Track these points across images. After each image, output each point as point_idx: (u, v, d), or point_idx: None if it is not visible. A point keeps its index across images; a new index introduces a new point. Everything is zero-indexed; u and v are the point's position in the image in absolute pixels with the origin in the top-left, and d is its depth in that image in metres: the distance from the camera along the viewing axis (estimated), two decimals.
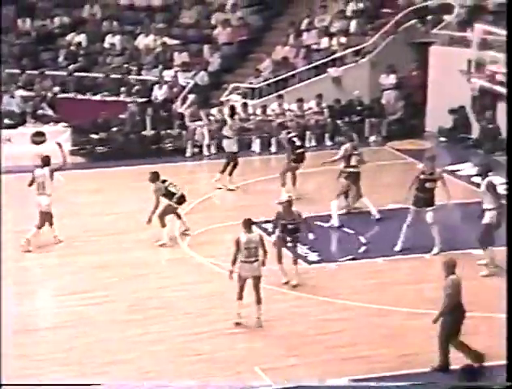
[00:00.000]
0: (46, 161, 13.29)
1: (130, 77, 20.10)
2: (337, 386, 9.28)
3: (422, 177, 12.59)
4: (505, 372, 7.88)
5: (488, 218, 12.05)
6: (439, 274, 9.88)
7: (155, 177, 13.33)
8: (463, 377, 7.71)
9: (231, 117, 16.55)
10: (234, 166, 15.77)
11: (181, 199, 13.41)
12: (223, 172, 15.74)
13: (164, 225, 13.25)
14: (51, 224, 13.23)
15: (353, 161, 13.97)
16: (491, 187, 12.05)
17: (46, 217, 13.16)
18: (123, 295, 11.61)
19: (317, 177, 15.80)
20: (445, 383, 8.42)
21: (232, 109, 16.91)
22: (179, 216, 13.58)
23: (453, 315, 9.30)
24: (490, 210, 12.01)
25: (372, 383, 9.23)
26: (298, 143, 14.99)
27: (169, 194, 13.27)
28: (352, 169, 13.93)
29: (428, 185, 12.56)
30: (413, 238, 12.79)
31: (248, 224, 10.82)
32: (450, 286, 9.28)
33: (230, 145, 15.97)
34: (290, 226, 11.81)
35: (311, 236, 12.07)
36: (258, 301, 10.66)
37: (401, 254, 12.69)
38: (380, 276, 12.11)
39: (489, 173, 12.26)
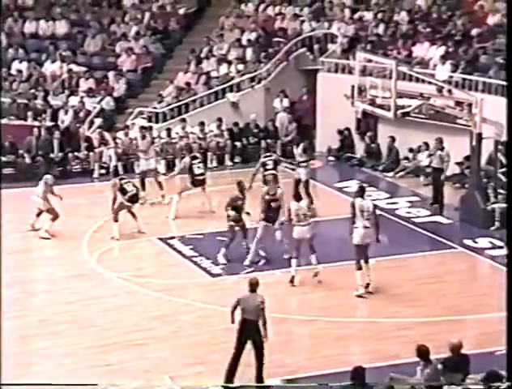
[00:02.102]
0: None
1: (36, 102, 19.72)
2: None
3: (267, 197, 12.76)
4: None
5: (357, 237, 11.71)
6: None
7: (114, 173, 13.77)
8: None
9: (142, 138, 16.50)
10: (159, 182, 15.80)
11: (134, 198, 13.66)
12: (143, 189, 15.69)
13: (116, 220, 13.57)
14: None
15: None
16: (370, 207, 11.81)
17: None
18: (32, 310, 11.39)
19: (218, 195, 16.00)
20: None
21: (143, 129, 16.89)
22: (134, 216, 13.73)
23: (241, 328, 9.22)
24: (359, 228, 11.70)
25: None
26: (198, 171, 15.02)
27: (123, 191, 13.42)
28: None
29: (273, 204, 12.72)
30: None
31: None
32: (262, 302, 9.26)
33: (148, 163, 15.99)
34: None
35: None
36: None
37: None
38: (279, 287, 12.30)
39: (364, 195, 12.08)
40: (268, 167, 14.73)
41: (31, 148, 18.01)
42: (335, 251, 13.05)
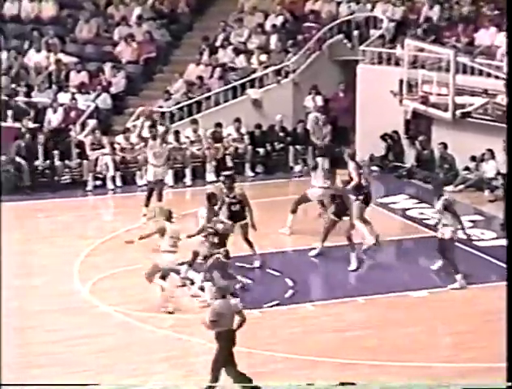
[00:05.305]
0: None
1: (17, 99, 19.94)
2: None
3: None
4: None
5: (449, 233, 12.96)
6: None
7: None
8: None
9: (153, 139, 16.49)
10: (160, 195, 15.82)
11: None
12: (147, 205, 15.76)
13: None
14: None
15: None
16: (448, 205, 13.05)
17: None
18: (7, 352, 11.37)
19: None
20: None
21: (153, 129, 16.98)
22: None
23: (220, 340, 9.90)
24: (449, 225, 12.99)
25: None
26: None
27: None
28: None
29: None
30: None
31: None
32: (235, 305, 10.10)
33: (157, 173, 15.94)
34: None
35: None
36: None
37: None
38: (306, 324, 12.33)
39: (443, 193, 13.27)
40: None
41: (10, 155, 18.10)
42: (385, 280, 13.23)
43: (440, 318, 12.48)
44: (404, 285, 13.28)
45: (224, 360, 9.90)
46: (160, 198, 15.83)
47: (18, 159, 17.93)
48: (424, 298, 12.98)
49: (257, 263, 13.84)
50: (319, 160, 15.20)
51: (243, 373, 10.01)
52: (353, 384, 9.47)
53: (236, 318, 9.98)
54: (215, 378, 9.97)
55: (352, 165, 14.50)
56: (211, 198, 13.17)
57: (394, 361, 11.04)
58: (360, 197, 14.40)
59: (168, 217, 12.68)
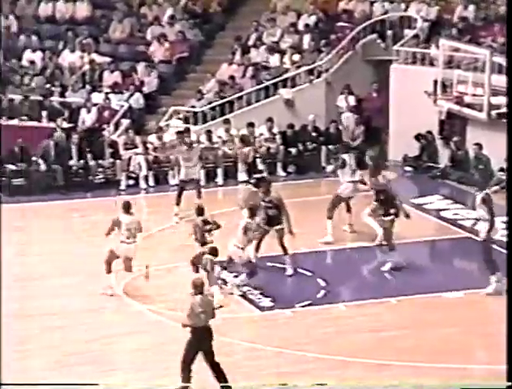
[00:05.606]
0: None
1: (52, 99, 20.11)
2: None
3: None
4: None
5: (483, 231, 12.86)
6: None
7: (199, 212, 13.25)
8: None
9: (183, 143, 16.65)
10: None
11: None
12: (178, 203, 15.84)
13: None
14: None
15: None
16: (487, 200, 13.02)
17: None
18: (44, 350, 11.50)
19: None
20: None
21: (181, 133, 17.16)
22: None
23: (194, 336, 9.99)
24: (485, 221, 12.90)
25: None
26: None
27: (201, 244, 13.04)
28: None
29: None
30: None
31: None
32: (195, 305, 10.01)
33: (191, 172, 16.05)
34: None
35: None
36: None
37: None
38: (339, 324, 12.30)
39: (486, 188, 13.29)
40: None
41: (48, 154, 18.28)
42: (419, 280, 13.14)
43: (476, 320, 12.37)
44: (439, 286, 13.18)
45: (193, 357, 9.93)
46: (199, 196, 15.91)
47: (50, 158, 18.12)
48: (459, 299, 12.89)
49: (289, 271, 13.77)
50: (345, 156, 15.15)
51: (222, 370, 10.02)
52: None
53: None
54: (187, 378, 10.00)
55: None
56: (253, 211, 13.16)
57: (430, 362, 10.97)
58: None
59: (127, 209, 13.06)
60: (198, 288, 10.14)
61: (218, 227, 13.22)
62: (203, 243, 13.02)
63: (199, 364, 10.15)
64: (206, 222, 13.18)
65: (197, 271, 12.78)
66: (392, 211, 13.65)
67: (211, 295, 11.46)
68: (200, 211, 13.34)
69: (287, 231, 13.64)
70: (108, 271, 12.97)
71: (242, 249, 12.89)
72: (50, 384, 9.56)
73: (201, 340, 9.99)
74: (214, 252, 12.69)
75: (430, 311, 12.56)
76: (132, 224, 12.96)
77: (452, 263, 14.48)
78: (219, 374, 10.13)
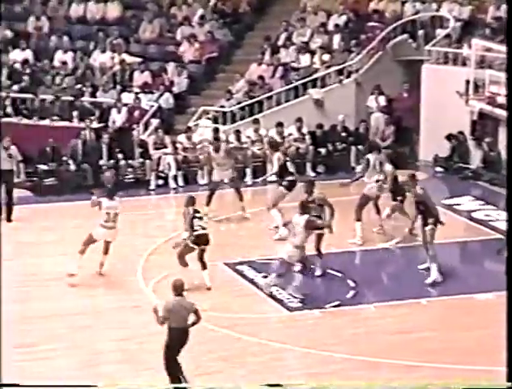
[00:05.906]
0: None
1: (82, 99, 20.29)
2: None
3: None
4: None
5: None
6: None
7: (189, 202, 13.42)
8: None
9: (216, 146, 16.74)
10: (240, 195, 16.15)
11: (198, 239, 13.15)
12: (208, 204, 15.97)
13: (183, 265, 13.19)
14: None
15: None
16: None
17: None
18: (74, 349, 11.59)
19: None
20: None
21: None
22: (204, 266, 13.33)
23: (169, 337, 10.13)
24: None
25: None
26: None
27: (190, 228, 13.20)
28: None
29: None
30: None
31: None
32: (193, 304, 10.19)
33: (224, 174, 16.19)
34: None
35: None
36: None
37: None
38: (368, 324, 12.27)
39: None
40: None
41: (76, 154, 18.48)
42: (450, 282, 13.16)
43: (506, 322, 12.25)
44: (470, 287, 13.12)
45: (174, 356, 10.03)
46: (240, 198, 16.14)
47: (79, 158, 18.28)
48: (490, 301, 12.82)
49: (318, 272, 13.80)
50: (370, 156, 15.12)
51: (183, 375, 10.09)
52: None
53: (192, 317, 10.16)
54: (177, 379, 10.03)
55: (388, 167, 14.65)
56: (304, 207, 13.21)
57: (459, 364, 10.93)
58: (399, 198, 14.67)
59: (111, 197, 13.46)
60: (178, 289, 10.19)
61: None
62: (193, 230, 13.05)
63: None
64: (196, 211, 13.28)
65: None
66: (431, 220, 13.54)
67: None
68: (191, 200, 13.39)
69: (326, 229, 13.63)
70: (82, 251, 13.34)
71: (297, 247, 12.80)
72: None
73: (177, 340, 10.06)
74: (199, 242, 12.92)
75: (460, 313, 12.52)
76: (111, 208, 13.32)
77: (483, 265, 14.39)
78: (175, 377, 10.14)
